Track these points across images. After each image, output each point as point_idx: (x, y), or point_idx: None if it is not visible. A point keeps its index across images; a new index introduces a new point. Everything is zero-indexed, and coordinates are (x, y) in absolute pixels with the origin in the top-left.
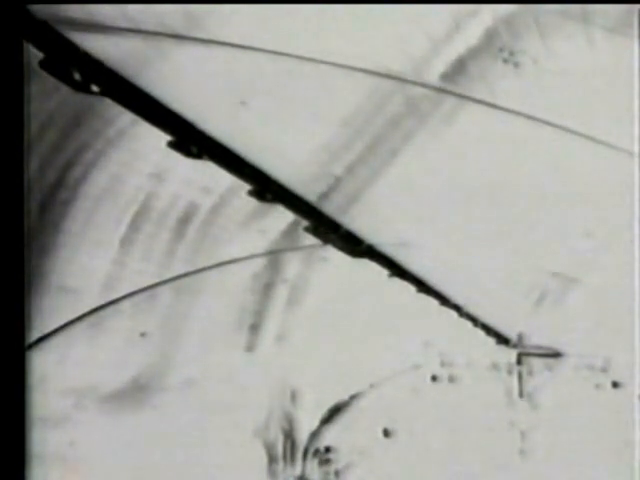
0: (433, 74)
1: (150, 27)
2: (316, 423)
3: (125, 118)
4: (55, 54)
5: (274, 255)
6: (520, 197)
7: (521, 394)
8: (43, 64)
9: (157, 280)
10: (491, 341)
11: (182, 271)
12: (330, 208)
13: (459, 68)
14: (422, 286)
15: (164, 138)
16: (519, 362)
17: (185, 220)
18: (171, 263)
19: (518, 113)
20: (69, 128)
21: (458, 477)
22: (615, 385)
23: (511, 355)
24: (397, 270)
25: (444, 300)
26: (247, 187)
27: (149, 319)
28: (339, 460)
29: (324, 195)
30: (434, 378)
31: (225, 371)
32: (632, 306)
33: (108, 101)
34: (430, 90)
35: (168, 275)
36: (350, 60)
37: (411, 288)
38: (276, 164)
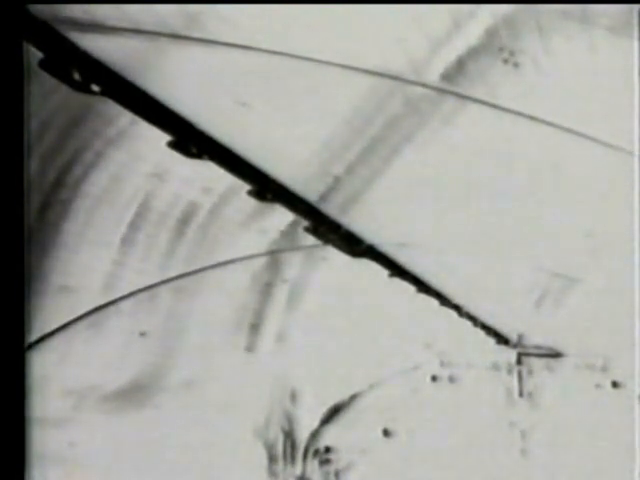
0: (433, 74)
1: (150, 27)
2: (316, 423)
3: (125, 118)
4: (55, 54)
5: (274, 255)
6: (520, 197)
7: (521, 394)
8: (43, 64)
9: (157, 280)
10: (491, 341)
11: (182, 271)
12: (330, 208)
13: (459, 68)
14: (422, 286)
15: (164, 138)
16: (519, 362)
17: (185, 220)
18: (171, 263)
19: (518, 113)
20: (69, 128)
21: (458, 477)
22: (615, 385)
23: (511, 355)
24: (397, 270)
25: (444, 300)
26: (247, 187)
27: (149, 319)
28: (339, 460)
29: (324, 195)
30: (434, 378)
31: (225, 371)
32: (632, 306)
33: (108, 101)
34: (430, 90)
35: (168, 275)
36: (350, 60)
37: (411, 288)
38: (276, 164)
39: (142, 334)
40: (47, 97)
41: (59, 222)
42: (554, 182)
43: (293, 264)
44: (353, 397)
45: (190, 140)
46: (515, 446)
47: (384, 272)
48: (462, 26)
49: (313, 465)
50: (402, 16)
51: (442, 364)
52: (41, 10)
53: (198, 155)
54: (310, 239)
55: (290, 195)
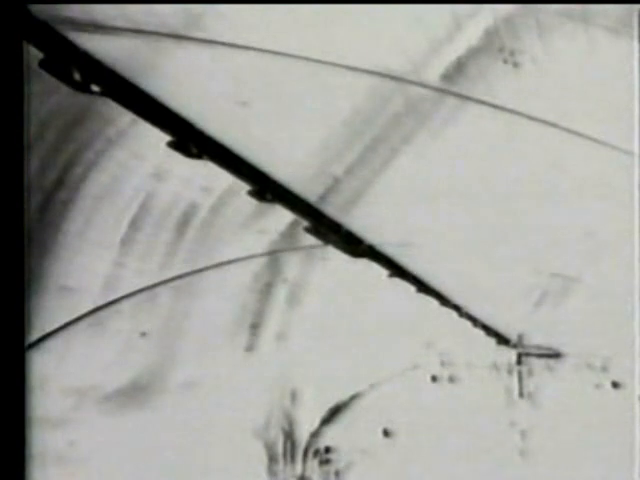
0: (433, 74)
1: (150, 27)
2: (316, 423)
3: (125, 118)
4: (55, 54)
5: (274, 255)
6: (520, 197)
7: (521, 394)
8: (43, 64)
9: (157, 280)
10: (491, 341)
11: (182, 271)
12: (330, 208)
13: (459, 68)
14: (422, 286)
15: (164, 138)
16: (519, 362)
17: (185, 220)
18: (171, 263)
19: (518, 113)
20: (69, 128)
21: (458, 477)
22: (615, 385)
23: (511, 355)
24: (397, 270)
25: (444, 300)
26: (247, 187)
27: (149, 319)
28: (339, 460)
29: (324, 195)
30: (434, 378)
31: (225, 371)
32: (632, 306)
33: (108, 101)
34: (430, 90)
35: (168, 275)
36: (350, 60)
37: (411, 288)
38: (276, 164)
39: (142, 334)
40: (47, 97)
41: (59, 222)
42: (554, 182)
43: (293, 264)
44: (353, 397)
45: (190, 140)
46: (515, 446)
47: (384, 272)
48: (462, 26)
49: (313, 465)
50: (402, 16)
51: (442, 364)
52: (41, 10)
53: (198, 155)
54: (310, 239)
55: (290, 195)
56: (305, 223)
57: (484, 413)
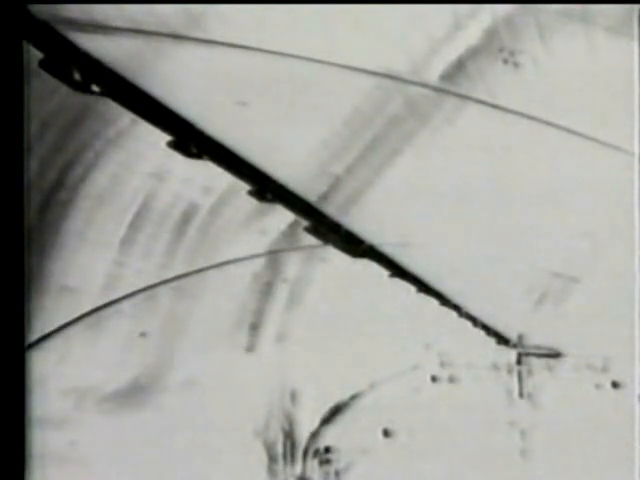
0: (433, 74)
1: (150, 27)
2: (316, 423)
3: (125, 118)
4: (55, 54)
5: (274, 255)
6: (520, 197)
7: (521, 394)
8: (43, 64)
9: (157, 280)
10: (491, 341)
11: (182, 271)
12: (330, 208)
13: (459, 68)
14: (422, 286)
15: (164, 138)
16: (519, 362)
17: (185, 220)
18: (171, 263)
19: (518, 113)
20: (69, 128)
21: (458, 477)
22: (615, 385)
23: (511, 355)
24: (397, 270)
25: (444, 300)
26: (247, 187)
27: (149, 319)
28: (339, 460)
29: (324, 195)
30: (434, 378)
31: (225, 371)
32: (632, 306)
33: (108, 101)
34: (430, 90)
35: (168, 275)
36: (350, 60)
37: (411, 288)
38: (276, 164)
39: (142, 334)
40: (47, 97)
41: (59, 222)
42: (554, 182)
43: (293, 264)
44: (353, 397)
45: (190, 140)
46: (515, 446)
47: (384, 272)
48: (462, 26)
49: (313, 465)
50: (402, 16)
51: (442, 364)
52: (41, 10)
53: (198, 155)
54: (310, 239)
55: (290, 195)
56: (305, 223)
57: (484, 413)
